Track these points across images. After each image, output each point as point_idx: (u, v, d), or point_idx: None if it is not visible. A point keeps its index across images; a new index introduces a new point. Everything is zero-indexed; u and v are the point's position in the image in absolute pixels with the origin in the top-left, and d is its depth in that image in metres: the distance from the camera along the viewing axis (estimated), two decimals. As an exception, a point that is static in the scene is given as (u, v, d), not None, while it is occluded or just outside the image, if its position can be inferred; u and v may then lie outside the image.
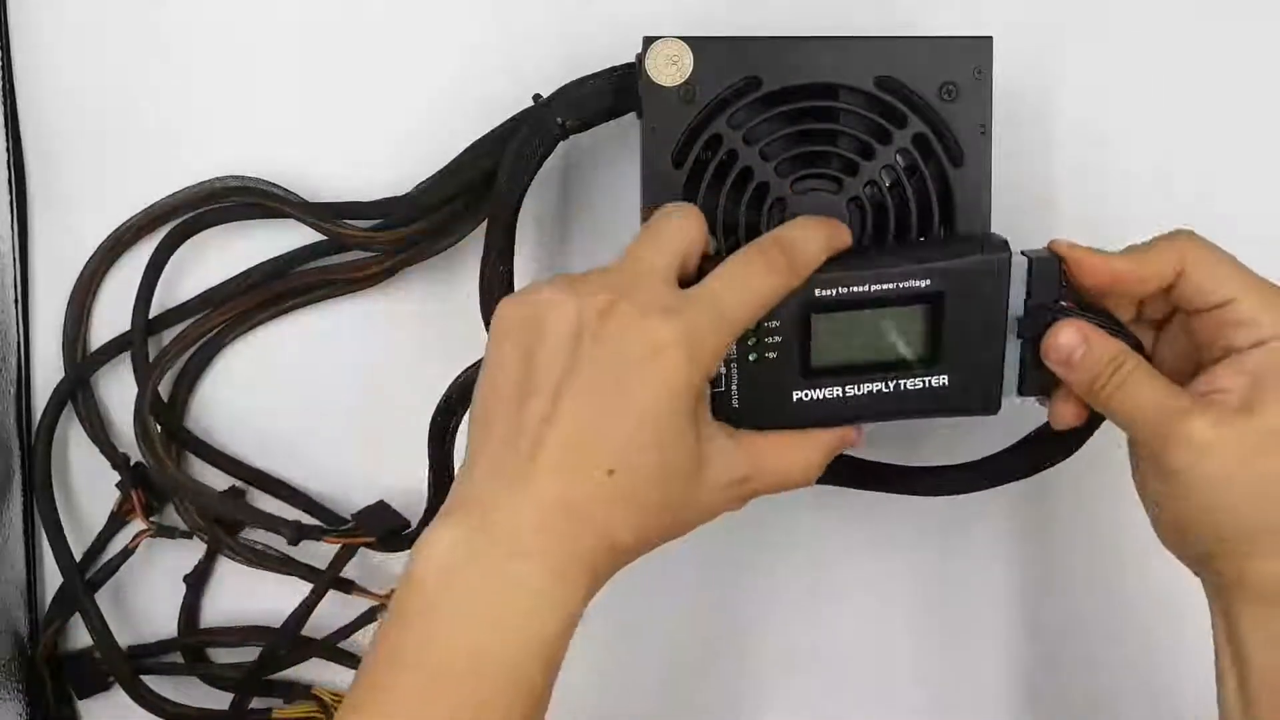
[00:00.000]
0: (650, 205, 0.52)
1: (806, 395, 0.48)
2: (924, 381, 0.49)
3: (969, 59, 0.52)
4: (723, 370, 0.47)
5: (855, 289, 0.47)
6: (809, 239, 0.47)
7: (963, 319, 0.48)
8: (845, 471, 0.56)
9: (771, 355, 0.48)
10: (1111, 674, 0.63)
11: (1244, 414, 0.45)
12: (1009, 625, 0.63)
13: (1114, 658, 0.63)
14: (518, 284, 0.56)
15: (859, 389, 0.48)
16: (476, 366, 0.46)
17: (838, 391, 0.48)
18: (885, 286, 0.48)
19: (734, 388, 0.48)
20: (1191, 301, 0.47)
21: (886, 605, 0.63)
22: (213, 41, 0.60)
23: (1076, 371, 0.48)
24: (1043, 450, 0.54)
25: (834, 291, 0.47)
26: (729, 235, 0.52)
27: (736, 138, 0.52)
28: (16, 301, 0.61)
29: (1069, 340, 0.48)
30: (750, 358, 0.48)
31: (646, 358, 0.42)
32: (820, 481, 0.55)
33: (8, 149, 0.60)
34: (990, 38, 0.52)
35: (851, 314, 0.48)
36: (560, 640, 0.42)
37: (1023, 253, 0.49)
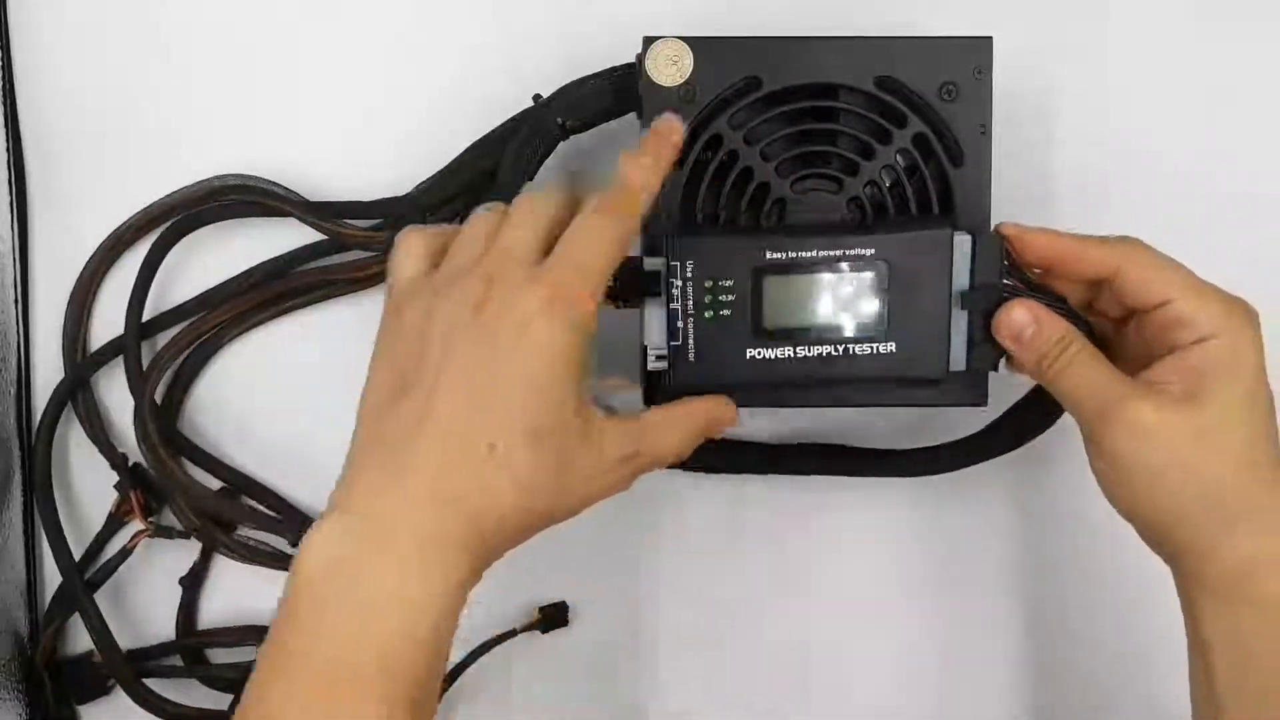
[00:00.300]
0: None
1: (759, 354, 0.50)
2: (872, 347, 0.50)
3: (969, 59, 0.52)
4: (680, 325, 0.49)
5: (804, 254, 0.49)
6: (639, 170, 0.48)
7: (908, 289, 0.50)
8: (836, 460, 0.59)
9: (726, 313, 0.49)
10: (1104, 652, 0.63)
11: (1185, 404, 0.46)
12: (1004, 597, 0.63)
13: (1107, 633, 0.63)
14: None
15: (809, 350, 0.50)
16: None
17: (789, 352, 0.50)
18: (832, 253, 0.49)
19: (690, 342, 0.49)
20: (1134, 300, 0.48)
21: (877, 590, 0.63)
22: (213, 41, 0.60)
23: (1026, 349, 0.49)
24: (1026, 422, 0.56)
25: (784, 255, 0.49)
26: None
27: (737, 138, 0.52)
28: (17, 301, 0.61)
29: (1020, 319, 0.49)
30: (706, 315, 0.49)
31: (519, 331, 0.44)
32: (816, 472, 0.59)
33: (8, 149, 0.60)
34: (990, 38, 0.52)
35: (801, 278, 0.49)
36: (443, 626, 0.43)
37: (969, 232, 0.50)
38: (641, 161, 0.48)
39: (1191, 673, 0.49)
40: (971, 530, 0.62)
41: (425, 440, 0.43)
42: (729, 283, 0.49)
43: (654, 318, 0.50)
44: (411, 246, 0.48)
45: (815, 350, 0.50)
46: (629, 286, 0.50)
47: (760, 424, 0.61)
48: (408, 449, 0.44)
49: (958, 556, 0.62)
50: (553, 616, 0.62)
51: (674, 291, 0.49)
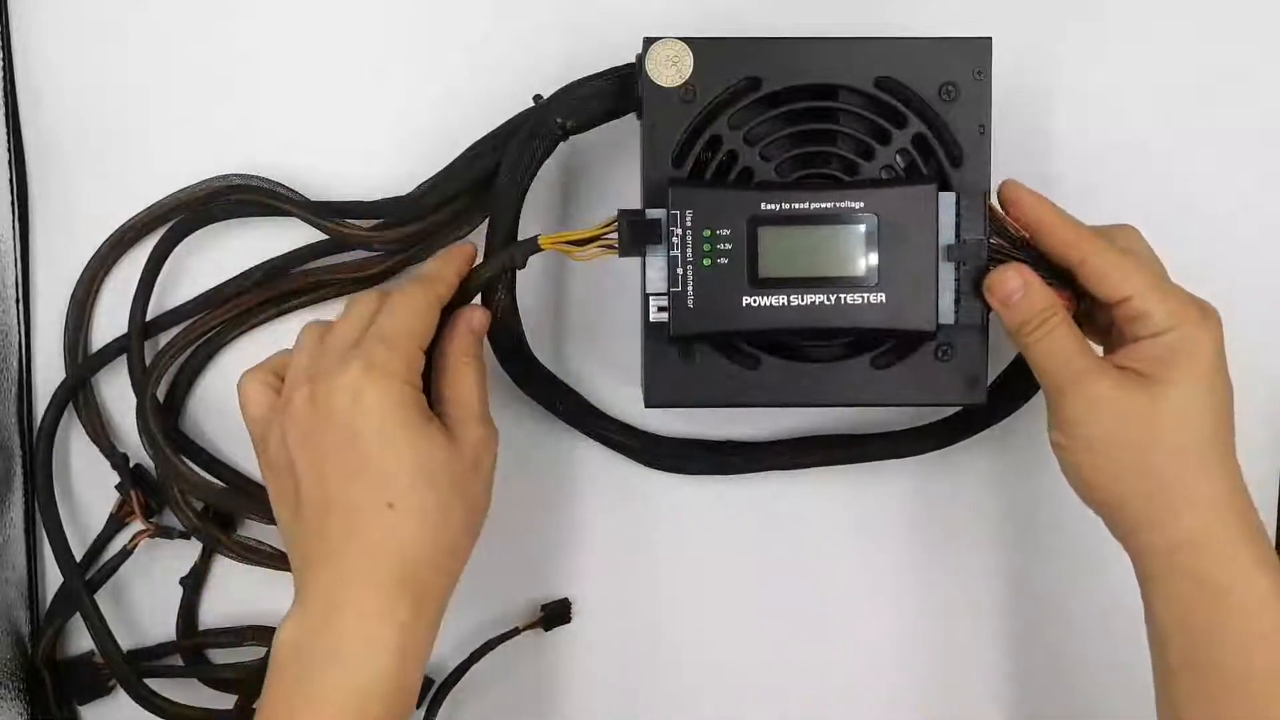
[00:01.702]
0: (650, 206, 0.52)
1: (755, 301, 0.51)
2: (863, 297, 0.51)
3: (969, 59, 0.52)
4: (679, 272, 0.51)
5: (797, 205, 0.51)
6: (435, 263, 0.55)
7: (897, 242, 0.51)
8: (829, 449, 0.60)
9: (724, 262, 0.51)
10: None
11: (1141, 385, 0.49)
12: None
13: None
14: (523, 284, 0.57)
15: (803, 299, 0.52)
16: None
17: (783, 300, 0.51)
18: (824, 205, 0.51)
19: (689, 289, 0.51)
20: (1096, 292, 0.50)
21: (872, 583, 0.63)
22: (214, 41, 0.60)
23: (1011, 311, 0.51)
24: (1000, 400, 0.58)
25: (778, 206, 0.51)
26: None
27: (736, 138, 0.53)
28: (18, 301, 0.61)
29: (1011, 283, 0.51)
30: (705, 263, 0.51)
31: (354, 402, 0.49)
32: (808, 464, 0.60)
33: (9, 148, 0.60)
34: (990, 38, 0.52)
35: (794, 229, 0.51)
36: (397, 671, 0.48)
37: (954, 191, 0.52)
38: (440, 258, 0.55)
39: (1153, 662, 0.51)
40: (959, 512, 0.63)
41: (334, 525, 0.49)
42: (726, 232, 0.51)
43: (655, 266, 0.52)
44: (250, 390, 0.53)
45: (808, 299, 0.51)
46: (633, 236, 0.51)
47: (756, 425, 0.61)
48: (323, 539, 0.49)
49: (948, 540, 0.63)
50: (555, 614, 0.62)
51: (674, 240, 0.51)
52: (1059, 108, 0.60)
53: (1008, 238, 0.52)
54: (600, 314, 0.61)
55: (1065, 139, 0.60)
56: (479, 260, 0.55)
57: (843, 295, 0.51)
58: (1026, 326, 0.51)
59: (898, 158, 0.53)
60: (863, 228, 0.51)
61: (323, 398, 0.49)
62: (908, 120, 0.52)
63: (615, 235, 0.52)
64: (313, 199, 0.59)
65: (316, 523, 0.50)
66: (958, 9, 0.59)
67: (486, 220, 0.56)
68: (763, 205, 0.51)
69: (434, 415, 0.51)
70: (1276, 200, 0.61)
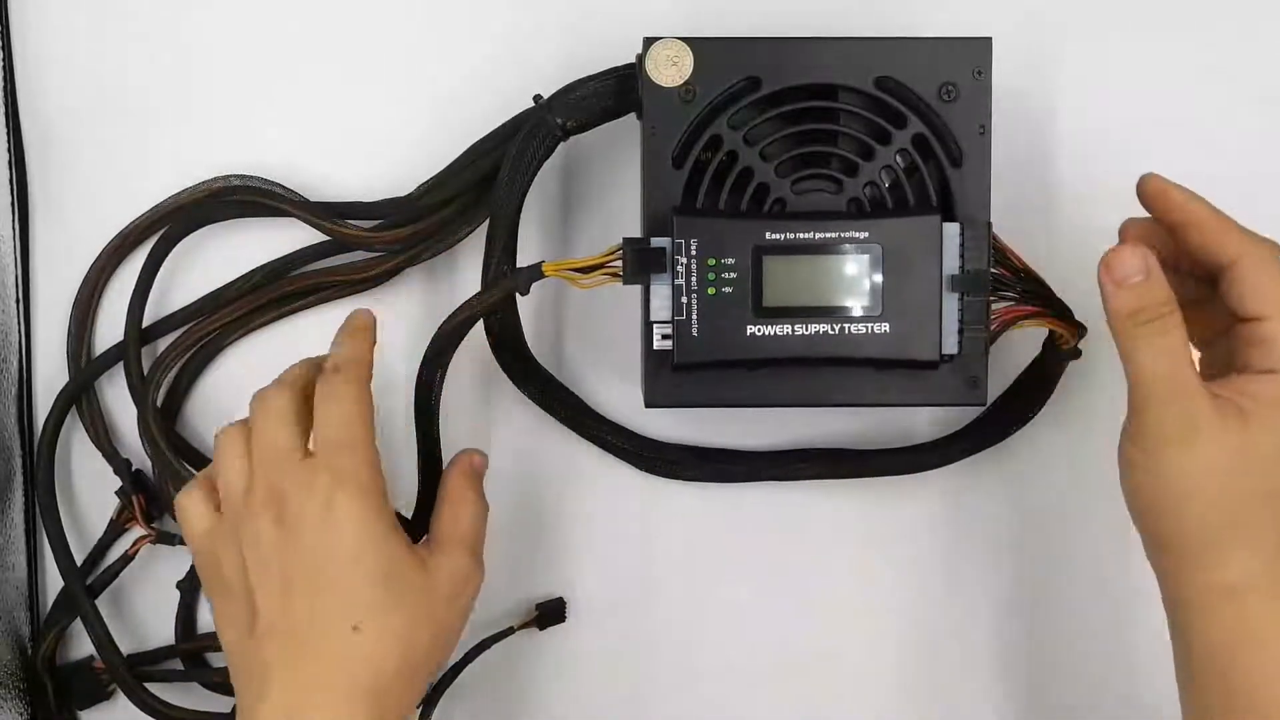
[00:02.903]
0: (650, 206, 0.53)
1: (759, 330, 0.51)
2: (867, 328, 0.51)
3: (968, 60, 0.52)
4: (684, 300, 0.51)
5: (802, 235, 0.51)
6: (347, 346, 0.52)
7: (901, 273, 0.51)
8: (831, 462, 0.60)
9: (728, 290, 0.51)
10: (1095, 651, 0.63)
11: (1240, 421, 0.46)
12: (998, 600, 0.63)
13: (1098, 632, 0.62)
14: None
15: (807, 329, 0.52)
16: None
17: (788, 329, 0.52)
18: (829, 235, 0.51)
19: (694, 318, 0.51)
20: (1234, 304, 0.47)
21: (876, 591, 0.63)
22: (214, 42, 0.60)
23: (1126, 294, 0.46)
24: (1010, 412, 0.58)
25: (783, 236, 0.51)
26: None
27: (736, 138, 0.53)
28: (19, 301, 0.61)
29: (1133, 263, 0.46)
30: (710, 291, 0.51)
31: (326, 518, 0.48)
32: (809, 476, 0.60)
33: (9, 149, 0.60)
34: (990, 38, 0.52)
35: (799, 258, 0.51)
36: None
37: (958, 222, 0.52)
38: (346, 339, 0.53)
39: (1180, 689, 0.49)
40: (962, 525, 0.62)
41: (294, 645, 0.48)
42: (731, 261, 0.51)
43: (659, 294, 0.52)
44: (189, 505, 0.51)
45: (812, 328, 0.51)
46: (637, 265, 0.51)
47: (758, 436, 0.61)
48: (282, 656, 0.48)
49: (952, 556, 0.62)
50: (550, 613, 0.62)
51: (679, 269, 0.51)
52: (1060, 107, 0.60)
53: (1010, 268, 0.52)
54: (600, 315, 0.61)
55: (1066, 138, 0.60)
56: (375, 324, 0.54)
57: (847, 325, 0.51)
58: (1140, 315, 0.46)
59: (897, 158, 0.53)
60: (867, 257, 0.51)
61: (293, 518, 0.48)
62: (907, 120, 0.52)
63: (619, 263, 0.52)
64: (313, 199, 0.59)
65: (274, 643, 0.48)
66: (958, 9, 0.59)
67: (486, 220, 0.56)
68: (767, 234, 0.51)
69: (402, 529, 0.50)
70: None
